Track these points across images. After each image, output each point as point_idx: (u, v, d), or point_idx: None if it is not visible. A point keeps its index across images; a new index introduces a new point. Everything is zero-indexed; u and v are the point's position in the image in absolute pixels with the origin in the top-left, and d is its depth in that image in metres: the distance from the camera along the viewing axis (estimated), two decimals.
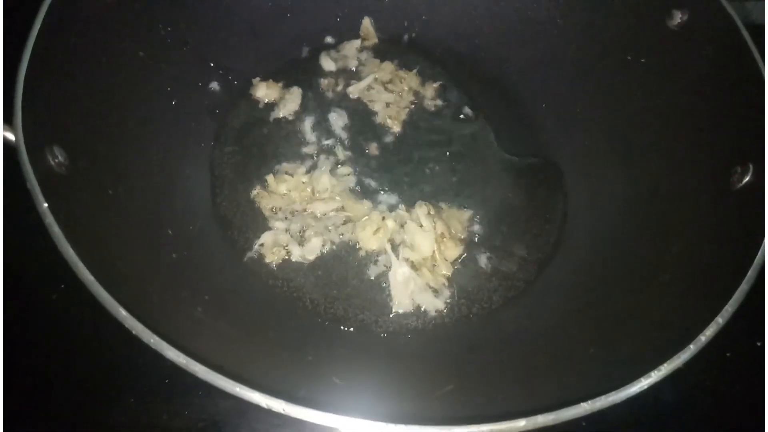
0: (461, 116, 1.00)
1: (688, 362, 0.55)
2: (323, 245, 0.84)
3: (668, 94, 0.87)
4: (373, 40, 1.05)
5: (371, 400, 0.63)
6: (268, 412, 0.50)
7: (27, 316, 0.80)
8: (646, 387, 0.53)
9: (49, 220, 0.55)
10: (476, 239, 0.87)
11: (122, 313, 0.52)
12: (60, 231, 0.55)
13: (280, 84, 0.99)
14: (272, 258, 0.83)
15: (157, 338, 0.50)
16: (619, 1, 0.92)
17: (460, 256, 0.85)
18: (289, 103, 0.97)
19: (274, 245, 0.84)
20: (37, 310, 0.80)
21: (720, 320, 0.57)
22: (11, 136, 0.61)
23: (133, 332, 0.51)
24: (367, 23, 1.05)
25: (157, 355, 0.51)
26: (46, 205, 0.56)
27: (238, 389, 0.49)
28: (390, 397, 0.66)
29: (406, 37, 1.08)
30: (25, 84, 0.63)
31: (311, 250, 0.83)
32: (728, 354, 0.82)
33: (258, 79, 0.99)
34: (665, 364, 0.54)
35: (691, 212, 0.78)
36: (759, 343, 0.83)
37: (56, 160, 0.65)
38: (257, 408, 0.50)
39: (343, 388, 0.66)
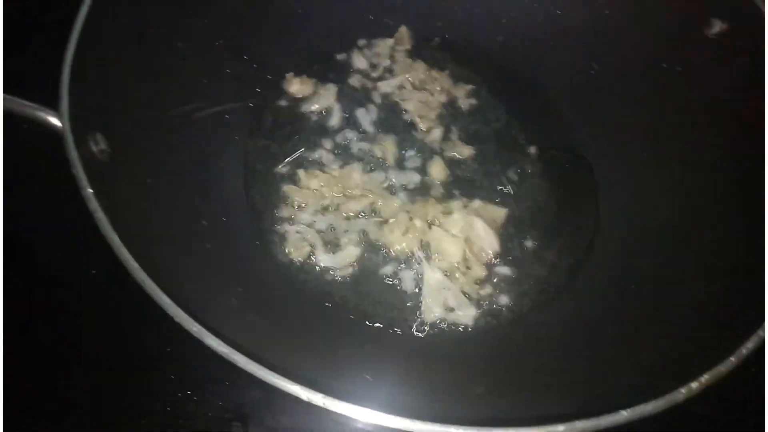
0: (494, 117, 0.99)
1: (728, 375, 0.55)
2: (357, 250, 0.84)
3: (704, 103, 0.87)
4: (407, 45, 1.05)
5: (403, 398, 0.63)
6: (293, 404, 0.50)
7: (60, 297, 0.81)
8: (687, 396, 0.52)
9: (93, 205, 0.56)
10: (507, 241, 0.87)
11: (165, 300, 0.52)
12: (104, 216, 0.55)
13: (314, 80, 0.99)
14: (296, 255, 0.83)
15: (198, 326, 0.51)
16: (656, 8, 0.92)
17: (496, 255, 0.85)
18: (322, 98, 0.97)
19: (301, 241, 0.84)
20: (68, 295, 0.81)
21: (762, 333, 0.56)
22: (57, 122, 0.62)
23: (176, 319, 0.51)
24: (403, 30, 1.05)
25: (185, 344, 0.51)
26: (90, 190, 0.57)
27: (278, 381, 0.49)
28: (421, 397, 0.66)
29: (437, 39, 1.07)
30: (72, 70, 0.64)
31: (344, 258, 0.83)
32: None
33: (291, 74, 0.99)
34: (705, 375, 0.54)
35: (727, 223, 0.77)
36: None
37: (98, 147, 0.65)
38: (283, 399, 0.50)
39: (375, 385, 0.66)
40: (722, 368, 0.54)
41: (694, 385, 0.53)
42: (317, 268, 0.83)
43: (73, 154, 0.59)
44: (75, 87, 0.64)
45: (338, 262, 0.82)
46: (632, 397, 0.56)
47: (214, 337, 0.50)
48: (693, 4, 0.87)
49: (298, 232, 0.84)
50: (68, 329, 0.78)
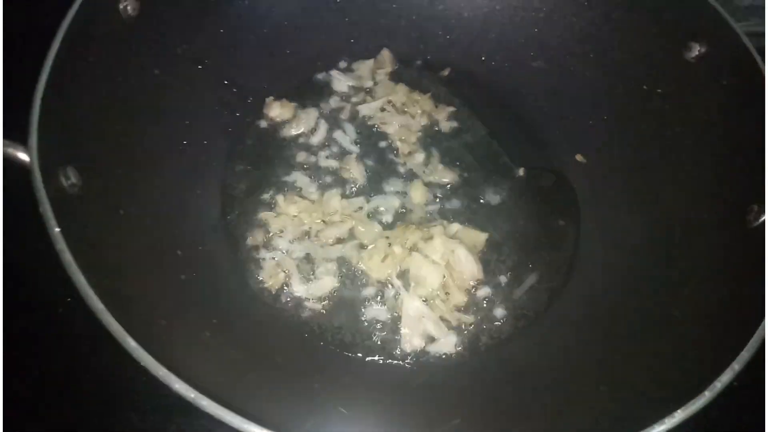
0: (475, 139, 0.99)
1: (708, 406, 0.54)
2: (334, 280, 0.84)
3: (684, 126, 0.87)
4: (389, 68, 1.05)
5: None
6: None
7: (32, 331, 0.80)
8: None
9: (61, 246, 0.55)
10: (487, 265, 0.86)
11: (131, 344, 0.51)
12: (71, 258, 0.54)
13: (294, 103, 0.99)
14: (271, 283, 0.82)
15: (165, 371, 0.50)
16: (636, 32, 0.92)
17: (477, 282, 0.85)
18: (303, 122, 0.97)
19: (276, 269, 0.83)
20: (42, 327, 0.80)
21: (736, 366, 0.56)
22: (26, 158, 0.61)
23: (142, 364, 0.51)
24: (385, 53, 1.05)
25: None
26: (58, 230, 0.56)
27: (246, 426, 0.49)
28: (395, 429, 0.66)
29: (419, 61, 1.07)
30: (42, 104, 0.63)
31: (319, 288, 0.82)
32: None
33: (271, 98, 0.99)
34: (679, 411, 0.53)
35: (706, 248, 0.77)
36: None
37: (69, 182, 0.64)
38: None
39: (350, 419, 0.65)
40: (696, 402, 0.54)
41: (668, 420, 0.53)
42: (293, 297, 0.82)
43: (42, 192, 0.58)
44: (45, 121, 0.63)
45: (313, 293, 0.82)
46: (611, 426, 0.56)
47: (180, 382, 0.50)
48: (672, 28, 0.87)
49: (273, 258, 0.83)
50: (42, 362, 0.77)
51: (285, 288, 0.82)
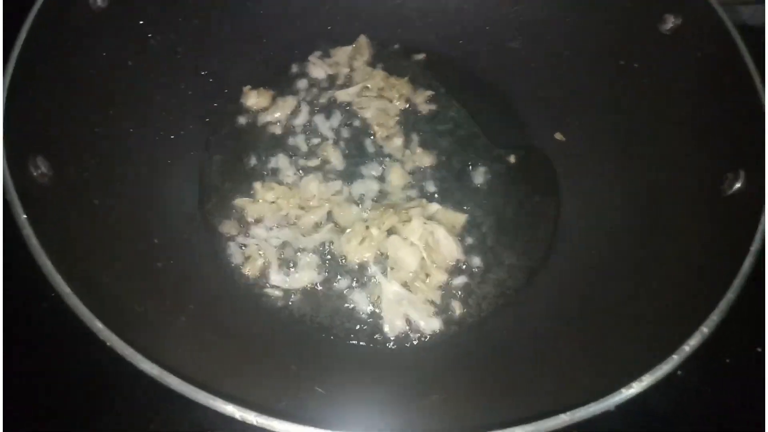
0: (454, 122, 0.99)
1: (684, 369, 0.54)
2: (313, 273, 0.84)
3: (661, 98, 0.87)
4: (366, 54, 1.05)
5: (354, 410, 0.62)
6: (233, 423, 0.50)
7: (10, 327, 0.79)
8: (627, 397, 0.52)
9: (27, 231, 0.56)
10: (466, 245, 0.86)
11: (98, 326, 0.51)
12: (37, 243, 0.55)
13: (272, 91, 0.99)
14: (250, 271, 0.82)
15: (131, 350, 0.50)
16: (611, 6, 0.92)
17: (457, 262, 0.85)
18: (280, 110, 0.97)
19: (256, 257, 0.83)
20: (19, 321, 0.79)
21: (705, 330, 0.56)
22: None
23: (108, 344, 0.51)
24: (362, 39, 1.05)
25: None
26: (24, 216, 0.56)
27: (211, 401, 0.49)
28: (373, 408, 0.66)
29: (396, 45, 1.07)
30: (9, 93, 0.64)
31: (297, 280, 0.82)
32: (728, 360, 0.80)
33: (248, 87, 0.98)
34: (646, 375, 0.53)
35: (682, 218, 0.77)
36: (759, 349, 0.82)
37: (39, 171, 0.65)
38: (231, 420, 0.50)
39: (326, 398, 0.65)
40: (664, 367, 0.54)
41: (636, 384, 0.53)
42: (272, 284, 0.82)
43: (8, 180, 0.58)
44: (13, 111, 0.63)
45: (292, 284, 0.82)
46: (581, 399, 0.56)
47: (146, 361, 0.50)
48: (646, 0, 0.87)
49: (254, 245, 0.84)
50: (14, 361, 0.77)
51: (264, 276, 0.82)
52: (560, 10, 0.98)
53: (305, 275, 0.82)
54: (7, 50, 0.66)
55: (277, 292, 0.81)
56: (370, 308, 0.81)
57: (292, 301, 0.81)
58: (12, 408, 0.73)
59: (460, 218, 0.88)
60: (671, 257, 0.73)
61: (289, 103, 0.98)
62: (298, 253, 0.84)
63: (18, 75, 0.65)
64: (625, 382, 0.53)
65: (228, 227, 0.86)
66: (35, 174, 0.64)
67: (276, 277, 0.82)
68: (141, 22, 0.86)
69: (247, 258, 0.83)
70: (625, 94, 0.92)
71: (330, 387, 0.66)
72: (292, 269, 0.83)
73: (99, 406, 0.77)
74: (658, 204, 0.81)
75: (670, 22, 0.84)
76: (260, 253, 0.83)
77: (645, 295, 0.71)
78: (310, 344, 0.77)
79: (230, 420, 0.73)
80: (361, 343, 0.78)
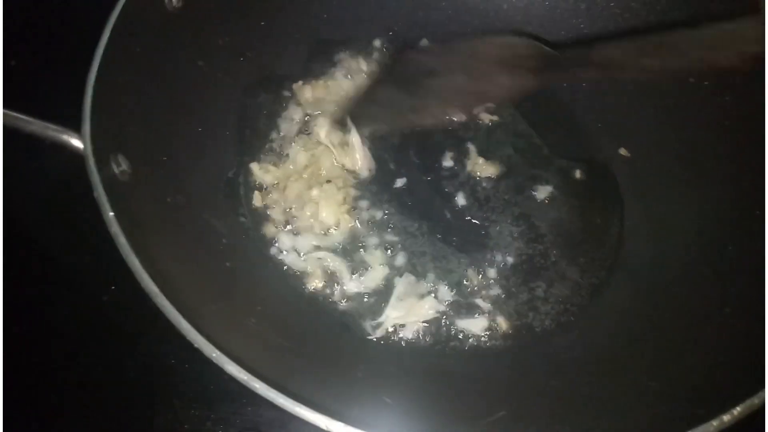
0: (516, 133, 0.98)
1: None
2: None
3: (732, 119, 0.85)
4: None
5: (422, 422, 0.62)
6: (308, 426, 0.50)
7: (77, 316, 0.81)
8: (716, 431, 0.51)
9: (115, 229, 0.56)
10: (531, 260, 0.86)
11: (184, 325, 0.52)
12: (126, 241, 0.55)
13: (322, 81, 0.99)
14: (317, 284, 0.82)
15: (218, 353, 0.50)
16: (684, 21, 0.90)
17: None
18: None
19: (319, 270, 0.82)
20: (87, 312, 0.82)
21: None
22: (79, 144, 0.62)
23: (195, 345, 0.51)
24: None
25: (203, 362, 0.51)
26: (111, 213, 0.57)
27: (298, 409, 0.49)
28: (440, 420, 0.65)
29: None
30: (94, 92, 0.65)
31: (372, 279, 0.82)
32: None
33: (300, 82, 0.98)
34: (738, 407, 0.52)
35: (756, 242, 0.75)
36: None
37: (120, 168, 0.66)
38: (297, 420, 0.50)
39: (394, 408, 0.65)
40: (756, 400, 0.52)
41: (726, 417, 0.52)
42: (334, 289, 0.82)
43: (96, 177, 0.59)
44: (97, 109, 0.65)
45: (368, 284, 0.81)
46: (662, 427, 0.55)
47: (233, 364, 0.50)
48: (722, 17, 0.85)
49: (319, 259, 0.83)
50: (87, 349, 0.78)
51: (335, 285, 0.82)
52: (627, 23, 0.97)
53: (378, 273, 0.82)
54: (91, 50, 0.68)
55: (338, 295, 0.81)
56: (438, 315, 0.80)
57: (352, 306, 0.80)
58: (70, 394, 0.76)
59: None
60: (747, 281, 0.71)
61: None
62: (363, 253, 0.84)
63: (102, 73, 0.67)
64: (714, 413, 0.52)
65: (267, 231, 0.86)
66: (116, 171, 0.65)
67: (350, 284, 0.81)
68: (211, 24, 0.87)
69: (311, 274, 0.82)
70: (693, 112, 0.90)
71: (396, 396, 0.66)
72: (362, 270, 0.83)
73: (157, 399, 0.77)
74: (730, 226, 0.79)
75: None
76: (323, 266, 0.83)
77: (720, 321, 0.69)
78: (372, 350, 0.76)
79: (286, 420, 0.75)
80: (423, 350, 0.77)
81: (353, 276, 0.82)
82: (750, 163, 0.81)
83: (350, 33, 1.04)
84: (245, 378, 0.49)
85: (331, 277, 0.82)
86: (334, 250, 0.84)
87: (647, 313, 0.78)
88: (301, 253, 0.83)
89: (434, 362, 0.76)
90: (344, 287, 0.81)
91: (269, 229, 0.85)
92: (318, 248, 0.83)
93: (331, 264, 0.82)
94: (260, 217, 0.86)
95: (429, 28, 1.05)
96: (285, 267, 0.82)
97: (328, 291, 0.81)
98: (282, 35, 0.98)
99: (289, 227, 0.85)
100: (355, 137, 0.88)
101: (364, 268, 0.83)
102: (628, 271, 0.85)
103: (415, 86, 0.90)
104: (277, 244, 0.84)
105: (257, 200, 0.86)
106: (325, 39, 1.02)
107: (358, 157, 0.89)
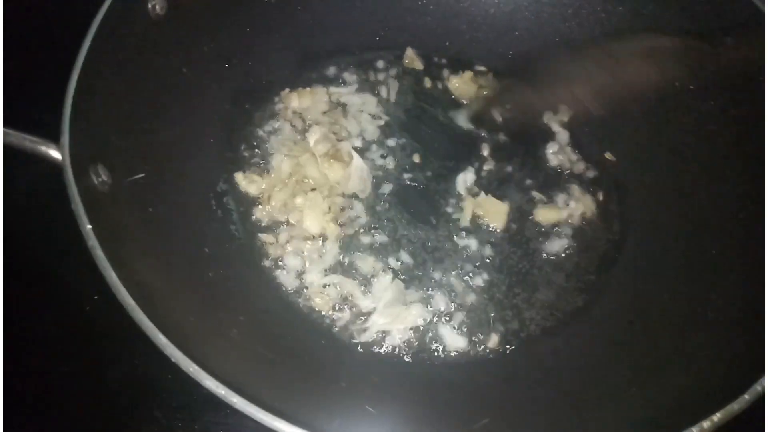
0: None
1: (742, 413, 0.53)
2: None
3: (717, 123, 0.85)
4: (419, 67, 1.04)
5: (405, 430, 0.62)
6: None
7: (59, 327, 0.80)
8: None
9: (93, 242, 0.56)
10: (517, 266, 0.86)
11: (162, 340, 0.51)
12: (102, 254, 0.55)
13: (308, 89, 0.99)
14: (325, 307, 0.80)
15: (196, 367, 0.50)
16: (668, 27, 0.90)
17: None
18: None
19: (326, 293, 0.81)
20: (69, 322, 0.81)
21: None
22: (57, 156, 0.62)
23: (172, 360, 0.51)
24: (410, 52, 1.04)
25: (186, 373, 0.51)
26: (89, 226, 0.57)
27: (276, 423, 0.48)
28: (424, 429, 0.65)
29: (444, 59, 1.06)
30: (73, 103, 0.64)
31: (381, 289, 0.81)
32: None
33: (287, 90, 0.98)
34: (718, 414, 0.52)
35: (744, 246, 0.75)
36: None
37: (99, 179, 0.65)
38: None
39: (377, 417, 0.65)
40: (735, 406, 0.53)
41: (706, 424, 0.52)
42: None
43: (73, 190, 0.59)
44: (77, 118, 0.64)
45: (381, 299, 0.80)
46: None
47: (211, 379, 0.50)
48: (705, 22, 0.85)
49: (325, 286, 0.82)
50: (70, 359, 0.78)
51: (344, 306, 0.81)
52: (614, 30, 0.97)
53: (385, 282, 0.82)
54: (71, 58, 0.67)
55: (320, 306, 0.81)
56: (425, 325, 0.80)
57: (340, 317, 0.80)
58: (53, 406, 0.75)
59: (503, 207, 0.89)
60: (734, 289, 0.71)
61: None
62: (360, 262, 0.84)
63: (82, 83, 0.66)
64: (692, 419, 0.52)
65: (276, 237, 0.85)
66: (96, 182, 0.65)
67: (364, 302, 0.80)
68: (195, 31, 0.86)
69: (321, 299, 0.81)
70: (678, 117, 0.90)
71: (380, 406, 0.66)
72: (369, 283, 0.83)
73: (140, 410, 0.76)
74: (717, 230, 0.79)
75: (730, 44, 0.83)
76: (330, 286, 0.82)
77: (706, 325, 0.69)
78: (359, 361, 0.76)
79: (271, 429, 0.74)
80: (407, 360, 0.77)
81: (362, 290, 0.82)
82: (733, 166, 0.81)
83: (337, 39, 1.03)
84: (223, 393, 0.49)
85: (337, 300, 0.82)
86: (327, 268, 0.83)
87: (632, 318, 0.78)
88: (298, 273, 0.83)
89: (418, 370, 0.76)
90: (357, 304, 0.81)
91: (261, 238, 0.84)
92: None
93: (338, 286, 0.82)
94: (250, 225, 0.86)
95: (417, 34, 1.05)
96: (274, 276, 0.82)
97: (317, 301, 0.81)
98: (268, 42, 0.97)
99: (281, 237, 0.85)
100: (357, 162, 0.87)
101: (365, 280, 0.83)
102: (615, 276, 0.84)
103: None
104: (269, 259, 0.83)
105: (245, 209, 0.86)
106: (311, 45, 1.02)
107: (354, 179, 0.87)
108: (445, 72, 1.04)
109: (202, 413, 0.75)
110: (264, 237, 0.84)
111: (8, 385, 0.69)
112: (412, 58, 1.04)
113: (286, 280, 0.82)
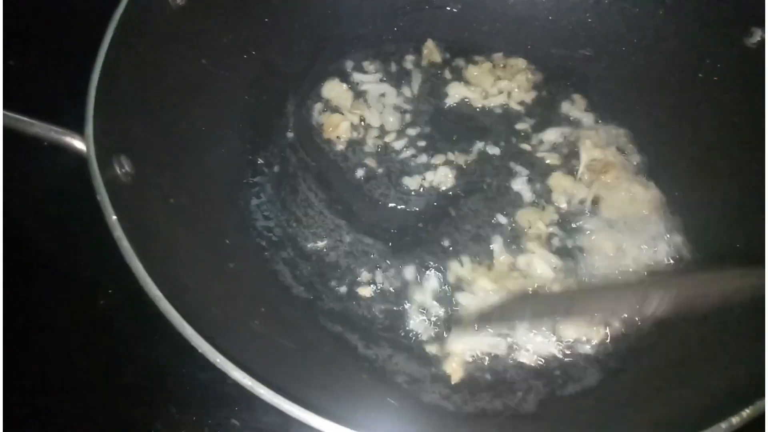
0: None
1: None
2: None
3: (743, 116, 0.84)
4: (437, 59, 1.03)
5: (426, 422, 0.62)
6: (310, 428, 0.49)
7: (74, 321, 0.81)
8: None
9: (118, 233, 0.56)
10: None
11: (188, 331, 0.52)
12: (129, 245, 0.55)
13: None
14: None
15: (222, 358, 0.50)
16: (692, 18, 0.89)
17: None
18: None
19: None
20: (84, 316, 0.81)
21: None
22: (82, 146, 0.62)
23: (199, 350, 0.51)
24: (430, 43, 1.03)
25: (200, 367, 0.51)
26: (115, 217, 0.57)
27: (301, 414, 0.48)
28: (446, 420, 0.65)
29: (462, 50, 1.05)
30: (97, 94, 0.64)
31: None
32: None
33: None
34: (747, 409, 0.51)
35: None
36: None
37: (123, 170, 0.65)
38: (299, 423, 0.49)
39: (399, 410, 0.65)
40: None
41: (735, 419, 0.51)
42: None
43: (98, 180, 0.59)
44: (100, 109, 0.64)
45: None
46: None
47: (238, 370, 0.50)
48: (732, 13, 0.84)
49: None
50: (84, 353, 0.78)
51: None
52: (636, 21, 0.96)
53: None
54: (94, 50, 0.67)
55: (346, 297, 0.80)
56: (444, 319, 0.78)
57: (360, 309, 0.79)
58: (69, 398, 0.76)
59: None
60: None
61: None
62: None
63: (105, 74, 0.66)
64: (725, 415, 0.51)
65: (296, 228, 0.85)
66: (119, 172, 0.65)
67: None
68: (215, 22, 0.86)
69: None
70: (703, 108, 0.89)
71: (401, 398, 0.66)
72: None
73: (155, 404, 0.76)
74: (735, 224, 0.78)
75: (758, 36, 0.81)
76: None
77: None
78: (382, 355, 0.75)
79: (286, 424, 0.73)
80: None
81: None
82: (757, 159, 0.80)
83: (356, 29, 1.03)
84: (250, 384, 0.49)
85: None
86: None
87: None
88: None
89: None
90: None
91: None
92: None
93: None
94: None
95: (436, 25, 1.04)
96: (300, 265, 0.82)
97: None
98: (287, 32, 0.97)
99: None
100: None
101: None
102: None
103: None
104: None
105: None
106: (331, 35, 1.02)
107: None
108: (462, 62, 1.03)
109: (216, 408, 0.75)
110: None
111: (22, 379, 0.69)
112: (431, 50, 1.03)
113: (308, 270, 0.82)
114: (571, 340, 0.75)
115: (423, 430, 0.57)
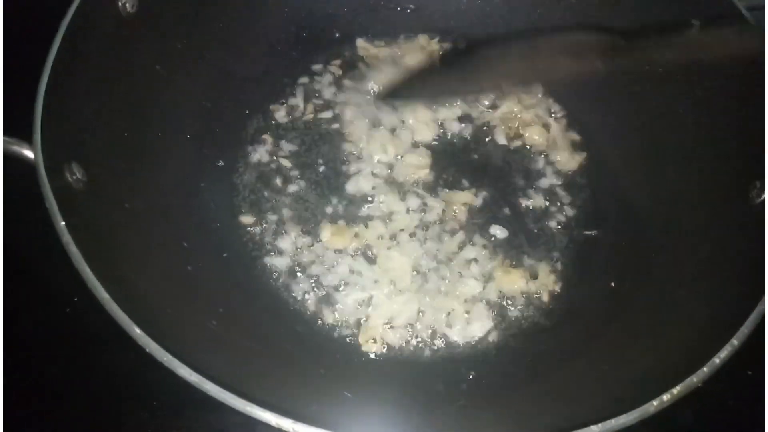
0: None
1: (708, 382, 0.54)
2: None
3: (687, 106, 0.86)
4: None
5: (382, 411, 0.63)
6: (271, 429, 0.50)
7: (40, 329, 0.81)
8: (658, 409, 0.52)
9: (66, 238, 0.57)
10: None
11: (136, 331, 0.53)
12: (77, 250, 0.56)
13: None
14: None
15: (170, 356, 0.51)
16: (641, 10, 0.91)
17: None
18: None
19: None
20: (50, 324, 0.81)
21: (735, 342, 0.56)
22: (30, 155, 0.62)
23: (147, 350, 0.52)
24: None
25: (168, 370, 0.52)
26: (63, 223, 0.58)
27: (248, 408, 0.50)
28: (400, 408, 0.67)
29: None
30: (45, 101, 0.65)
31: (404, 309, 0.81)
32: (750, 372, 0.79)
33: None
34: (677, 387, 0.54)
35: (710, 226, 0.77)
36: None
37: (74, 177, 0.66)
38: (265, 425, 0.50)
39: (354, 402, 0.66)
40: (694, 378, 0.54)
41: (666, 396, 0.53)
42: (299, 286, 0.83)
43: (47, 188, 0.60)
44: (49, 117, 0.64)
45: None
46: (609, 410, 0.56)
47: (185, 367, 0.51)
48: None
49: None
50: (51, 360, 0.78)
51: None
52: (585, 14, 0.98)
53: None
54: (41, 58, 0.67)
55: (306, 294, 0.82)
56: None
57: (322, 309, 0.81)
58: (35, 408, 0.76)
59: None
60: (699, 266, 0.73)
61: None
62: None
63: (53, 82, 0.67)
64: (655, 393, 0.53)
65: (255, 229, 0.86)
66: (71, 180, 0.65)
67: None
68: (168, 28, 0.87)
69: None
70: (648, 99, 0.92)
71: (358, 391, 0.67)
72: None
73: (123, 408, 0.77)
74: (687, 209, 0.81)
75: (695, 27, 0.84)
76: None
77: (673, 304, 0.71)
78: (340, 350, 0.77)
79: (253, 425, 0.74)
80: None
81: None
82: (703, 149, 0.83)
83: (313, 31, 1.04)
84: (196, 380, 0.50)
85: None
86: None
87: (606, 301, 0.80)
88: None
89: (398, 360, 0.77)
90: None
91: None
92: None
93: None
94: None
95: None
96: (254, 267, 0.84)
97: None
98: (241, 37, 0.98)
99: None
100: None
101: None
102: (588, 262, 0.86)
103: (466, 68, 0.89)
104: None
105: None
106: (287, 38, 1.03)
107: None
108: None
109: (184, 411, 0.76)
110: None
111: None
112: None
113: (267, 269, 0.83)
114: None
115: (374, 422, 0.58)
